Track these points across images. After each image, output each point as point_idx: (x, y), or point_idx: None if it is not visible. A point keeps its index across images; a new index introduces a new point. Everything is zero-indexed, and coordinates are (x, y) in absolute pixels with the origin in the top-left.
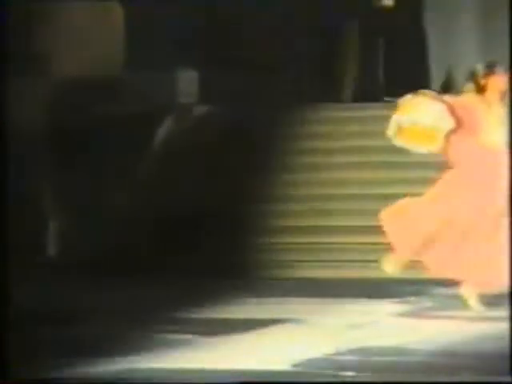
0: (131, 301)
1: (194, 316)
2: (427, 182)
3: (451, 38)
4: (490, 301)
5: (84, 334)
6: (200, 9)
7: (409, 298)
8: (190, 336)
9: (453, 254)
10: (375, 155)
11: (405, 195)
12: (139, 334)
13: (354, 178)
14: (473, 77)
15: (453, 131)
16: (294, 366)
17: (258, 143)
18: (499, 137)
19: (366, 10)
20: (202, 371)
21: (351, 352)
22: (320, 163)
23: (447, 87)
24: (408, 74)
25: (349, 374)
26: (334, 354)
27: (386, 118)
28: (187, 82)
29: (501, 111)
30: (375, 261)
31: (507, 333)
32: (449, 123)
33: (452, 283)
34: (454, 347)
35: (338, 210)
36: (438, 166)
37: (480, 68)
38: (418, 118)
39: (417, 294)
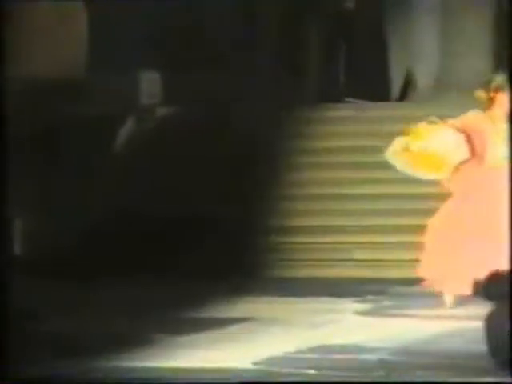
0: (97, 301)
1: (165, 315)
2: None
3: (410, 40)
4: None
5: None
6: (162, 10)
7: (369, 297)
8: (160, 335)
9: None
10: (348, 156)
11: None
12: (101, 333)
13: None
14: (487, 87)
15: (465, 161)
16: (255, 364)
17: (222, 143)
18: (503, 154)
19: (327, 13)
20: (166, 369)
21: (312, 350)
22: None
23: (406, 88)
24: (368, 76)
25: (309, 372)
26: (295, 352)
27: (353, 119)
28: (150, 83)
29: (504, 128)
30: (338, 260)
31: (466, 331)
32: (464, 153)
33: (411, 282)
34: (412, 345)
35: (299, 210)
36: None
37: (498, 79)
38: (432, 145)
39: (377, 293)
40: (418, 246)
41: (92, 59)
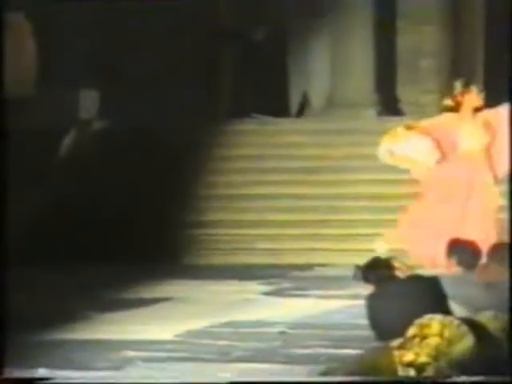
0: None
1: (99, 296)
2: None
3: (306, 66)
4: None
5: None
6: (98, 30)
7: (271, 280)
8: (95, 312)
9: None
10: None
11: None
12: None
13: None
14: (451, 93)
15: (437, 161)
16: (176, 336)
17: (155, 153)
18: (472, 146)
19: (239, 44)
20: (100, 341)
21: (223, 324)
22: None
23: (303, 106)
24: (271, 95)
25: (222, 344)
26: (210, 327)
27: (258, 131)
28: (88, 99)
29: (472, 125)
30: (245, 249)
31: (352, 308)
32: (434, 157)
33: (306, 268)
34: (307, 320)
35: (213, 207)
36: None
37: (458, 85)
38: (407, 151)
39: (278, 276)
40: (311, 238)
41: (38, 78)
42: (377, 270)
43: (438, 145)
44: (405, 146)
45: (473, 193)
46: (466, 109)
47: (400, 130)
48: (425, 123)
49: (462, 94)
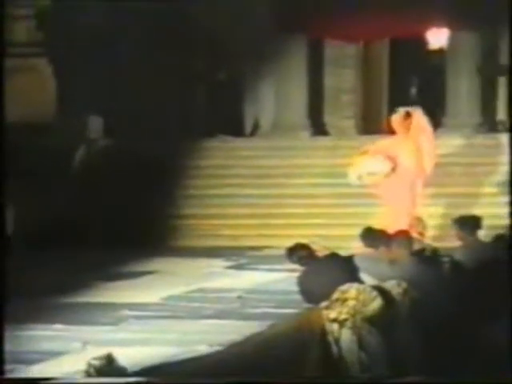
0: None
1: (100, 270)
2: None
3: (258, 96)
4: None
5: None
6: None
7: (233, 258)
8: (96, 282)
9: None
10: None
11: None
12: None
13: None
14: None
15: (389, 172)
16: (161, 299)
17: (150, 167)
18: (409, 163)
19: (210, 82)
20: (100, 303)
21: (196, 291)
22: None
23: (255, 127)
24: (232, 119)
25: (195, 305)
26: (186, 292)
27: (220, 148)
28: (95, 123)
29: (412, 144)
30: (213, 235)
31: (292, 279)
32: (388, 166)
33: (259, 249)
34: (259, 287)
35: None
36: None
37: (401, 113)
38: (367, 168)
39: (237, 255)
40: (261, 226)
41: (56, 108)
42: (297, 252)
43: (387, 159)
44: (364, 166)
45: (406, 197)
46: (413, 130)
47: (356, 157)
48: (373, 146)
49: (406, 118)
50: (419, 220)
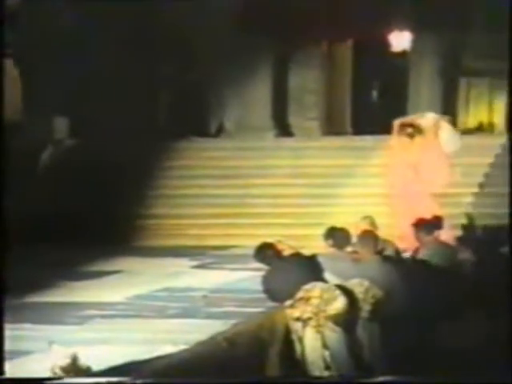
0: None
1: (66, 270)
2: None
3: (222, 100)
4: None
5: None
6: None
7: (198, 257)
8: (64, 280)
9: None
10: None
11: None
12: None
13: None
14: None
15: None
16: (127, 298)
17: (116, 168)
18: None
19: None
20: (69, 303)
21: (162, 290)
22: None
23: (220, 128)
24: (200, 123)
25: (160, 304)
26: (152, 292)
27: (191, 148)
28: (61, 124)
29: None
30: (179, 235)
31: (256, 278)
32: None
33: (223, 248)
34: (223, 286)
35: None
36: None
37: (396, 124)
38: None
39: (202, 254)
40: (227, 226)
41: (23, 107)
42: (263, 251)
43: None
44: None
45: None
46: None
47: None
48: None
49: (401, 130)
50: (371, 220)
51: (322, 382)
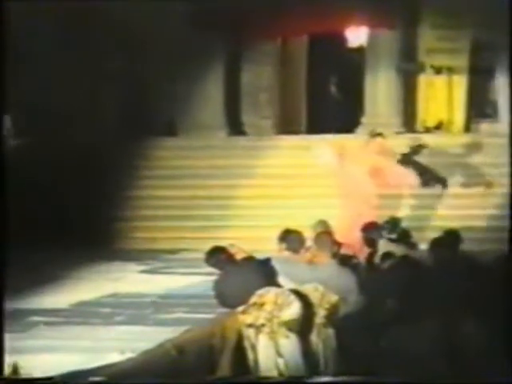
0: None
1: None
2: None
3: (173, 95)
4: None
5: None
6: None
7: (147, 262)
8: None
9: None
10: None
11: None
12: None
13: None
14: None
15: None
16: (72, 305)
17: (62, 168)
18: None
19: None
20: (8, 310)
21: (109, 296)
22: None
23: (171, 127)
24: (148, 118)
25: (106, 311)
26: (98, 298)
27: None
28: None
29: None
30: (126, 237)
31: (208, 282)
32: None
33: (174, 252)
34: (173, 292)
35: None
36: None
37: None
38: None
39: (152, 258)
40: (177, 229)
41: None
42: (215, 255)
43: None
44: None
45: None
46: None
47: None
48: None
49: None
50: (325, 224)
51: (271, 382)
